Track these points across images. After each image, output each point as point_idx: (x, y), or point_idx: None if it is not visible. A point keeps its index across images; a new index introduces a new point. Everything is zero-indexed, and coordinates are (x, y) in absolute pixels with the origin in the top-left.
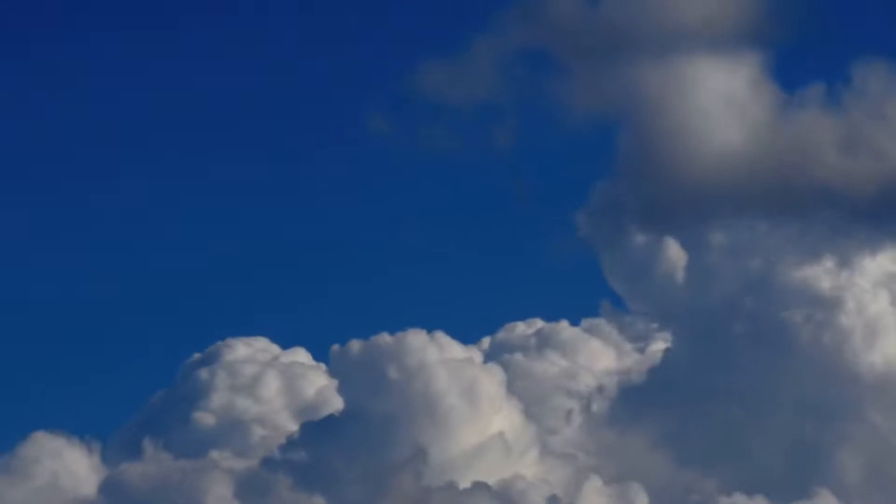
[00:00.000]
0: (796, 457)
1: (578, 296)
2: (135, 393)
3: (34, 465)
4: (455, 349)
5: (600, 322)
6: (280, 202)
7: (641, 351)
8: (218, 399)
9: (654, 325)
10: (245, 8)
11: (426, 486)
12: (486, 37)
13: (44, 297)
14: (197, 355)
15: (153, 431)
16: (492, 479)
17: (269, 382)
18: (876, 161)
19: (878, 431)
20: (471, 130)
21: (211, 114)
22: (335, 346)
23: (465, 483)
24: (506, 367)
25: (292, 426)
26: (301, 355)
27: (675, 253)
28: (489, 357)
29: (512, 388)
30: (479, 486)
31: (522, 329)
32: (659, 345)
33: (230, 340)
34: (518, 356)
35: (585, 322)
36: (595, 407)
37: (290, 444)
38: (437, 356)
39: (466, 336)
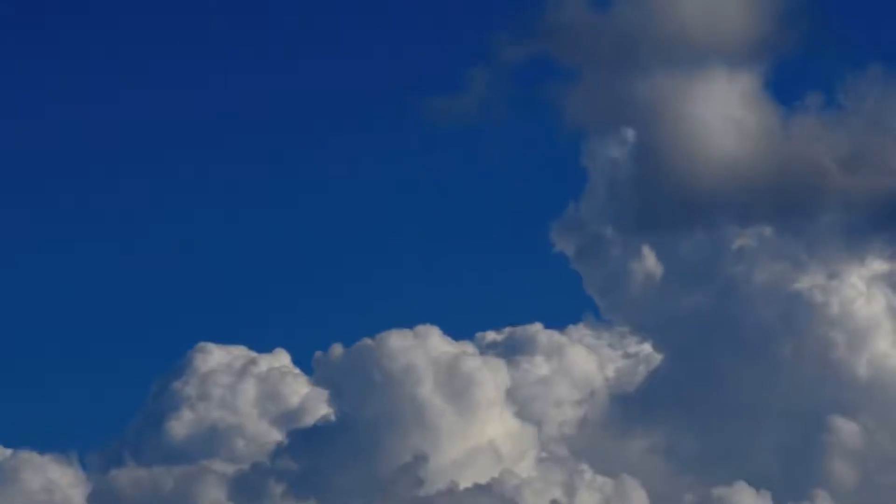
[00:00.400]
0: (790, 459)
1: (565, 301)
2: (115, 405)
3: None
4: (447, 347)
5: (597, 325)
6: (256, 205)
7: (630, 356)
8: (200, 409)
9: (641, 333)
10: (245, 8)
11: (421, 493)
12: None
13: (18, 303)
14: (175, 364)
15: (134, 444)
16: (485, 483)
17: (248, 390)
18: (873, 170)
19: (869, 434)
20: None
21: (208, 114)
22: (318, 353)
23: (463, 485)
24: (499, 369)
25: (276, 434)
26: (283, 360)
27: (653, 262)
28: (481, 358)
29: (505, 391)
30: (471, 491)
31: (513, 332)
32: (647, 350)
33: (206, 346)
34: (511, 360)
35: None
36: (590, 410)
37: (279, 452)
38: (426, 359)
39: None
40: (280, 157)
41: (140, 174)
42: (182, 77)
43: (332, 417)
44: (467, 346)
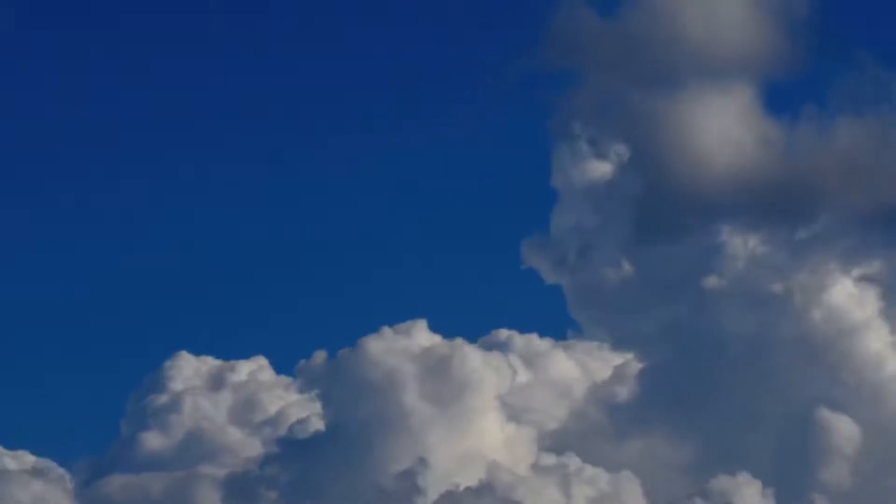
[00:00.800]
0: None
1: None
2: (115, 405)
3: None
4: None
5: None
6: (256, 206)
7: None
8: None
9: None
10: (245, 8)
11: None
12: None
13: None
14: (152, 373)
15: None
16: (479, 484)
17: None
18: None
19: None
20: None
21: (208, 114)
22: (302, 361)
23: (462, 486)
24: (494, 372)
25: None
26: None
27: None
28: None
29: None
30: (470, 492)
31: (507, 335)
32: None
33: (185, 355)
34: (505, 362)
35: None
36: (586, 413)
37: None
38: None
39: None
40: (280, 157)
41: (140, 174)
42: (182, 77)
43: (322, 426)
44: (461, 347)
